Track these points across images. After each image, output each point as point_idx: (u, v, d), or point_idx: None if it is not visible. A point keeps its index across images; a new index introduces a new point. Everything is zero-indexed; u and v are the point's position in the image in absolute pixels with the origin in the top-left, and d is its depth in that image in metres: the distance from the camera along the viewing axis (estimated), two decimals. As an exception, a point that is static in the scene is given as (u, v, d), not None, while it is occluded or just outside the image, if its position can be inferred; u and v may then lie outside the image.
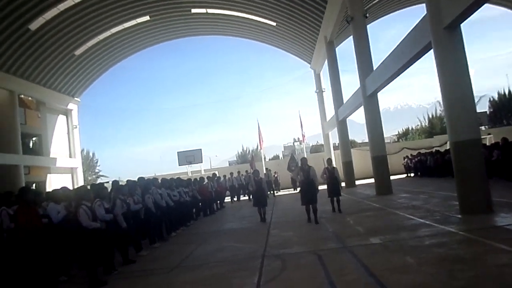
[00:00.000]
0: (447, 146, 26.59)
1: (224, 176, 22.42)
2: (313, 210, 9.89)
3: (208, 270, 6.44)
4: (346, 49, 28.66)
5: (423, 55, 10.43)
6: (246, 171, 23.94)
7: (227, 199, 23.01)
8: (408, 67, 11.72)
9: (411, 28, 10.48)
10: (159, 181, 11.49)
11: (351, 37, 27.11)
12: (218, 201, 18.57)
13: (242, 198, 23.21)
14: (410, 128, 49.58)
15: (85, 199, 6.43)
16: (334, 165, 12.07)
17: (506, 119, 37.08)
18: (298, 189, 11.56)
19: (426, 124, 45.41)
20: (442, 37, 8.55)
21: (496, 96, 38.79)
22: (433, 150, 24.21)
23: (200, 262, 7.10)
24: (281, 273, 5.64)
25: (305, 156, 29.08)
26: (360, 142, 47.47)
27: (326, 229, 9.06)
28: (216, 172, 23.14)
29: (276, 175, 25.93)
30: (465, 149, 8.47)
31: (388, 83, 13.87)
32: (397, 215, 9.70)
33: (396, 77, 13.12)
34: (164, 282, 5.96)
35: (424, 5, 9.19)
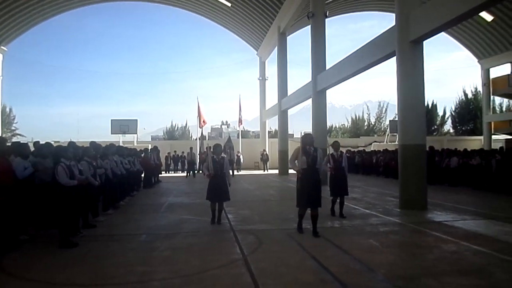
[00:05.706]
0: (372, 147, 29.03)
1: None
2: (312, 216, 6.79)
3: (184, 239, 6.62)
4: (293, 41, 29.55)
5: (382, 61, 11.39)
6: (191, 148, 23.72)
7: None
8: (365, 70, 12.66)
9: (376, 35, 11.36)
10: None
11: (301, 30, 28.32)
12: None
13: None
14: (333, 126, 52.50)
15: (64, 157, 6.21)
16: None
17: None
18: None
19: (350, 124, 48.47)
20: (407, 49, 9.46)
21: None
22: (362, 149, 26.20)
23: (171, 231, 7.23)
24: (260, 246, 6.04)
25: (232, 139, 29.34)
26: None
27: (281, 210, 9.65)
28: (148, 146, 22.73)
29: (239, 154, 27.20)
30: (411, 152, 9.55)
31: (340, 82, 14.79)
32: (343, 204, 10.59)
33: (349, 78, 14.06)
34: (145, 248, 6.00)
35: (374, 13, 10.02)
